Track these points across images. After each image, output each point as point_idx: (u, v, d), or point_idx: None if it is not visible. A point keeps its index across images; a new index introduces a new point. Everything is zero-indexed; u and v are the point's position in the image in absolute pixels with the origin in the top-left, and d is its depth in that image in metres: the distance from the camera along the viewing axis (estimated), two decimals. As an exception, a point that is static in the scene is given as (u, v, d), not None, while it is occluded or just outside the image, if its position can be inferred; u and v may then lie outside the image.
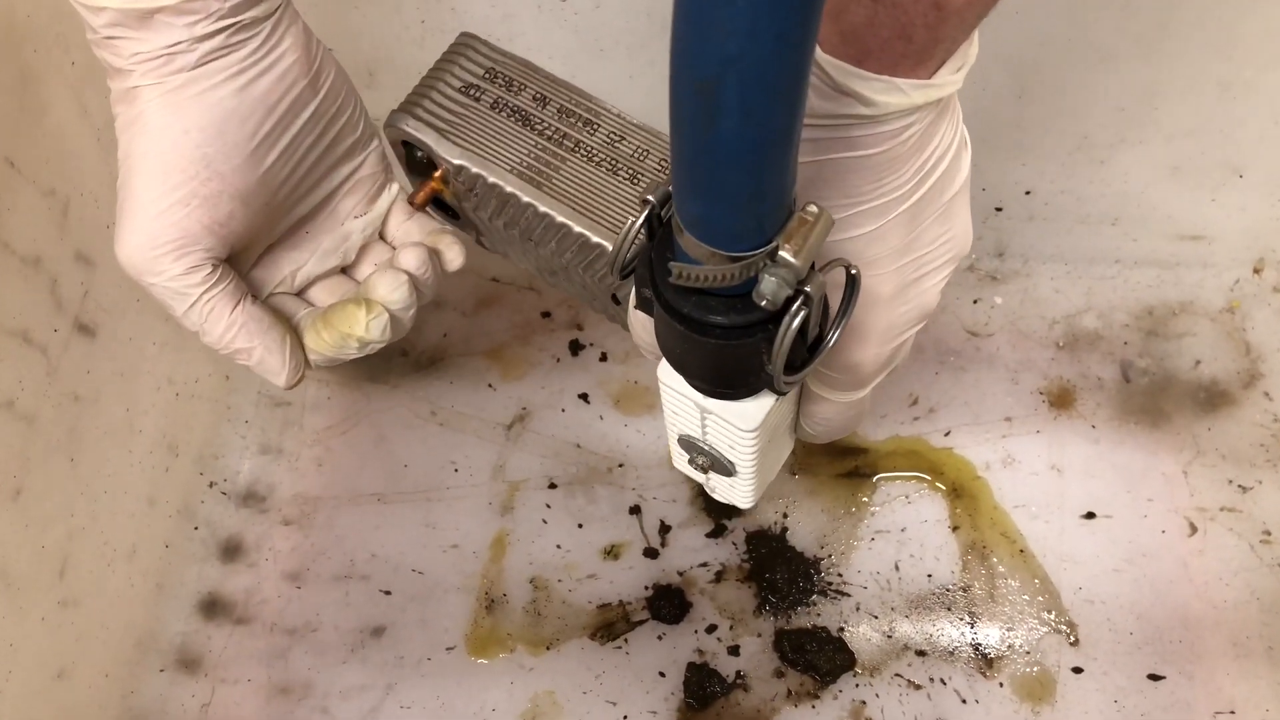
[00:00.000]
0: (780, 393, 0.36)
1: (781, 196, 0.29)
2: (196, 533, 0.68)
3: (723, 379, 0.36)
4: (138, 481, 0.63)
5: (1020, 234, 0.74)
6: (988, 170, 0.71)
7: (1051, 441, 0.69)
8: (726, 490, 0.46)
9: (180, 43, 0.39)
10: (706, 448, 0.43)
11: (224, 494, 0.69)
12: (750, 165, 0.26)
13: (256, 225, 0.45)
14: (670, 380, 0.39)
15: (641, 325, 0.42)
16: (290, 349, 0.47)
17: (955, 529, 0.67)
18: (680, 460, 0.46)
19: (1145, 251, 0.74)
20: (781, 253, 0.29)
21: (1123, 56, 0.62)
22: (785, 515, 0.67)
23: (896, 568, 0.66)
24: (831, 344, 0.35)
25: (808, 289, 0.31)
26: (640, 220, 0.33)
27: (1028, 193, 0.72)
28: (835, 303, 0.36)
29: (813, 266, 0.31)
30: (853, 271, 0.34)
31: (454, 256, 0.50)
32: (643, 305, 0.37)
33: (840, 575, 0.66)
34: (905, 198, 0.35)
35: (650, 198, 0.32)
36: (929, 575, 0.65)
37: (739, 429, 0.39)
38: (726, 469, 0.43)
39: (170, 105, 0.40)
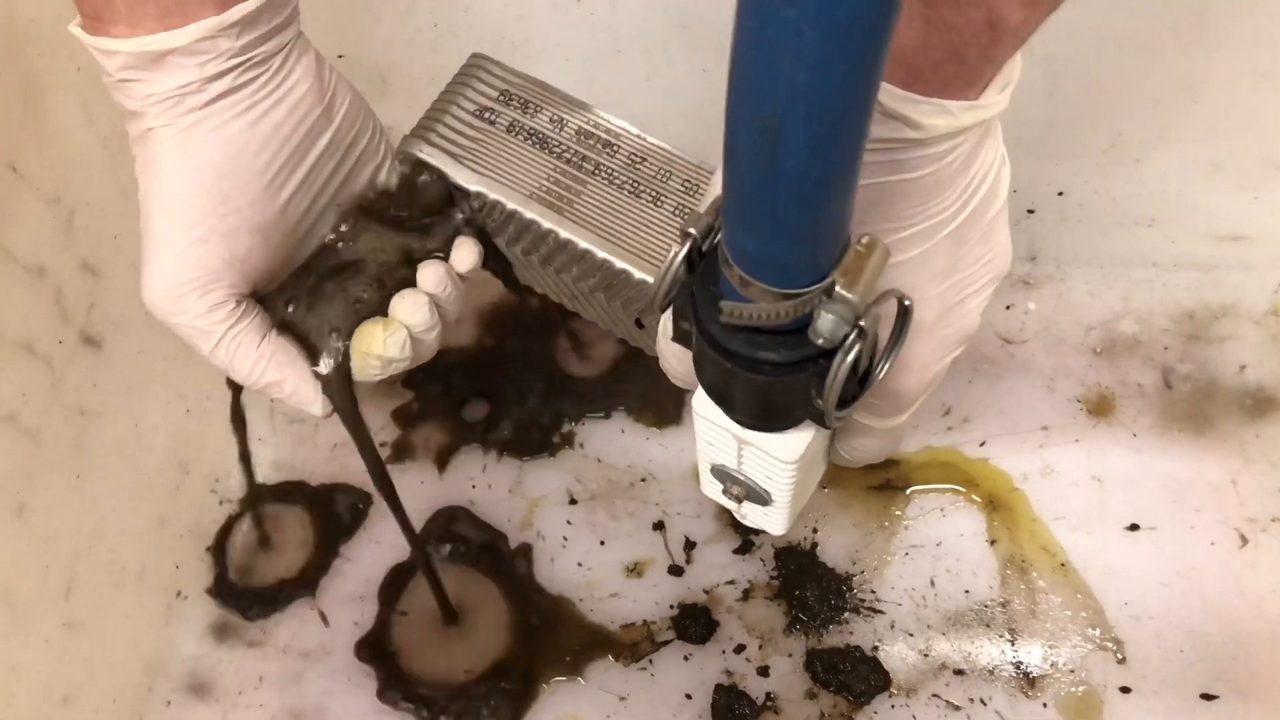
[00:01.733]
0: (828, 427, 0.34)
1: (841, 231, 0.28)
2: (209, 553, 0.66)
3: (767, 414, 0.35)
4: (147, 499, 0.62)
5: (1053, 237, 0.72)
6: (1019, 172, 0.67)
7: (1091, 451, 0.66)
8: (759, 518, 0.45)
9: (192, 83, 0.39)
10: (742, 478, 0.41)
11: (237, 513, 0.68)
12: (812, 201, 0.25)
13: (278, 258, 0.45)
14: (706, 412, 0.37)
15: (675, 357, 0.41)
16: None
17: (993, 543, 0.64)
18: (712, 489, 0.44)
19: (1184, 253, 0.71)
20: (839, 288, 0.28)
21: (1159, 49, 0.60)
22: (815, 530, 0.65)
23: (932, 583, 0.63)
24: (881, 377, 0.34)
25: (863, 324, 0.29)
26: (682, 253, 0.32)
27: (1060, 194, 0.70)
28: (881, 332, 0.34)
29: None
30: (906, 303, 0.33)
31: (463, 257, 0.49)
32: (680, 338, 0.37)
33: (873, 592, 0.63)
34: (949, 220, 0.35)
35: (692, 230, 0.31)
36: (966, 591, 0.63)
37: (779, 460, 0.38)
38: (762, 498, 0.42)
39: (183, 145, 0.40)
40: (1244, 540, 0.63)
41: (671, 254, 0.32)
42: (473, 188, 0.47)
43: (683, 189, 0.47)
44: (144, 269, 0.42)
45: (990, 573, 0.63)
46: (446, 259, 0.48)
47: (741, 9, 0.22)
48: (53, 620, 0.54)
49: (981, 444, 0.67)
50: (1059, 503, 0.65)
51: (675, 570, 0.64)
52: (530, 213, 0.46)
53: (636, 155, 0.48)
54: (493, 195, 0.47)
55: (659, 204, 0.47)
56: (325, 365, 0.45)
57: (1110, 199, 0.70)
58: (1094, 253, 0.72)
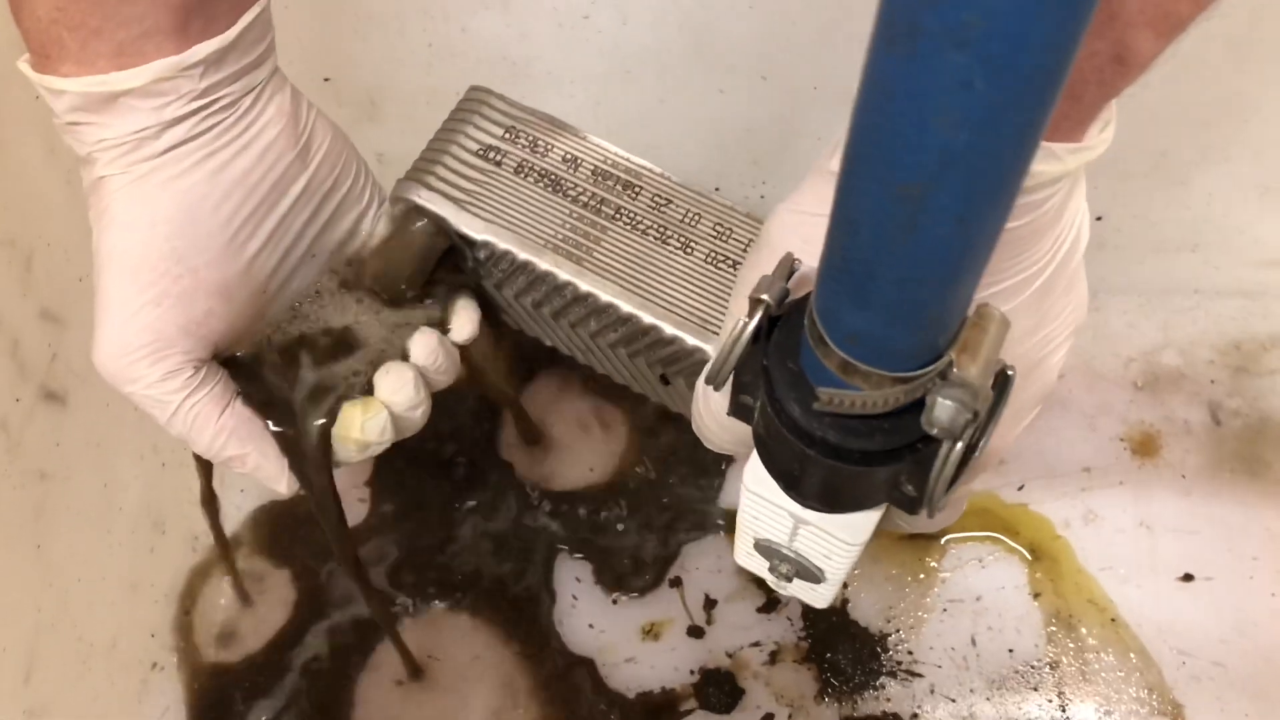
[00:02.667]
0: (914, 513, 0.30)
1: (967, 307, 0.24)
2: (188, 618, 0.61)
3: (842, 500, 0.31)
4: (118, 565, 0.56)
5: (1090, 264, 0.67)
6: (1053, 195, 0.64)
7: (1137, 494, 0.62)
8: (804, 592, 0.40)
9: (148, 128, 0.35)
10: (792, 554, 0.37)
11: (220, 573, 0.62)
12: (948, 276, 0.22)
13: (243, 318, 0.40)
14: (761, 490, 0.33)
15: (719, 424, 0.37)
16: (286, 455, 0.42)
17: (1036, 596, 0.59)
18: (750, 561, 0.40)
19: (1228, 280, 0.67)
20: (957, 369, 0.24)
21: (1209, 63, 0.56)
22: (845, 585, 0.60)
23: (973, 642, 0.58)
24: (980, 455, 0.29)
25: (978, 408, 0.25)
26: (753, 324, 0.28)
27: (1099, 218, 0.66)
28: None
29: None
30: (1010, 372, 0.29)
31: (461, 325, 0.44)
32: (738, 412, 0.32)
33: (910, 653, 0.58)
34: (1040, 273, 0.32)
35: (765, 297, 0.28)
36: (1010, 650, 0.58)
37: (843, 542, 0.34)
38: (813, 576, 0.37)
39: (135, 196, 0.36)
40: (1307, 591, 0.58)
41: (737, 324, 0.28)
42: (479, 236, 0.42)
43: (714, 234, 0.43)
44: (95, 331, 0.38)
45: (1035, 629, 0.59)
46: (442, 321, 0.43)
47: (880, 50, 0.18)
48: (13, 709, 0.48)
49: (1020, 488, 0.62)
50: (1105, 551, 0.60)
51: (695, 631, 0.59)
52: (545, 263, 0.42)
53: (661, 197, 0.43)
54: (502, 245, 0.42)
55: (689, 251, 0.42)
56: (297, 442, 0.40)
57: (1150, 223, 0.66)
58: (1131, 280, 0.68)
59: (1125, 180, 0.64)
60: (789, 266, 0.29)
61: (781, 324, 0.28)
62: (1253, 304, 0.67)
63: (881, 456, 0.27)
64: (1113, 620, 0.58)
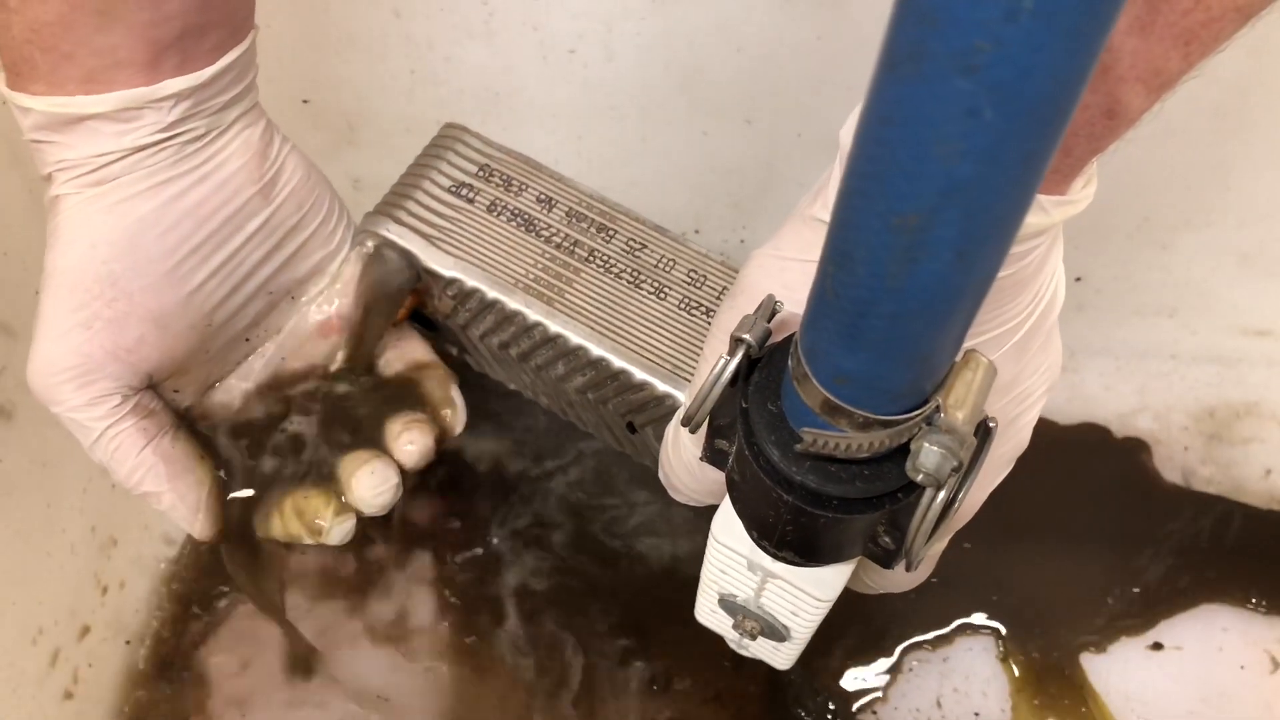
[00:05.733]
0: (889, 567, 0.29)
1: (958, 349, 0.24)
2: (128, 647, 0.59)
3: (816, 552, 0.30)
4: (58, 590, 0.54)
5: (1068, 325, 0.66)
6: (1034, 253, 0.64)
7: (1109, 558, 0.61)
8: (765, 652, 0.39)
9: (109, 153, 0.35)
10: (758, 611, 0.36)
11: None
12: (945, 314, 0.21)
13: (180, 348, 0.39)
14: (730, 541, 0.32)
15: (687, 472, 0.36)
16: (209, 499, 0.40)
17: (1004, 658, 0.58)
18: (712, 619, 0.39)
19: (1205, 346, 0.67)
20: (944, 415, 0.24)
21: (1194, 130, 0.56)
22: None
23: (939, 704, 0.57)
24: (958, 508, 0.28)
25: (962, 456, 0.25)
26: (734, 363, 0.27)
27: (1078, 279, 0.66)
28: None
29: None
30: (991, 425, 0.28)
31: (451, 425, 0.43)
32: (713, 458, 0.32)
33: (874, 713, 0.57)
34: (1019, 327, 0.32)
35: (746, 336, 0.27)
36: (976, 714, 0.57)
37: (813, 598, 0.33)
38: (779, 634, 0.36)
39: (82, 217, 0.36)
40: (1276, 664, 0.58)
41: (718, 363, 0.28)
42: (447, 273, 0.41)
43: (688, 280, 0.42)
44: (30, 348, 0.37)
45: (1001, 692, 0.57)
46: (421, 396, 0.42)
47: (885, 75, 0.17)
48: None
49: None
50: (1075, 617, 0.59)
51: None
52: (515, 303, 0.41)
53: (636, 241, 0.43)
54: (471, 282, 0.41)
55: (662, 297, 0.42)
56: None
57: (1130, 286, 0.66)
58: (1109, 343, 0.68)
59: (1107, 242, 0.63)
60: (770, 308, 0.28)
61: (761, 366, 0.28)
62: (1228, 371, 0.67)
63: (860, 505, 0.26)
64: (1080, 687, 0.57)
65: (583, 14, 0.55)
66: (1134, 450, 0.65)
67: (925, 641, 0.59)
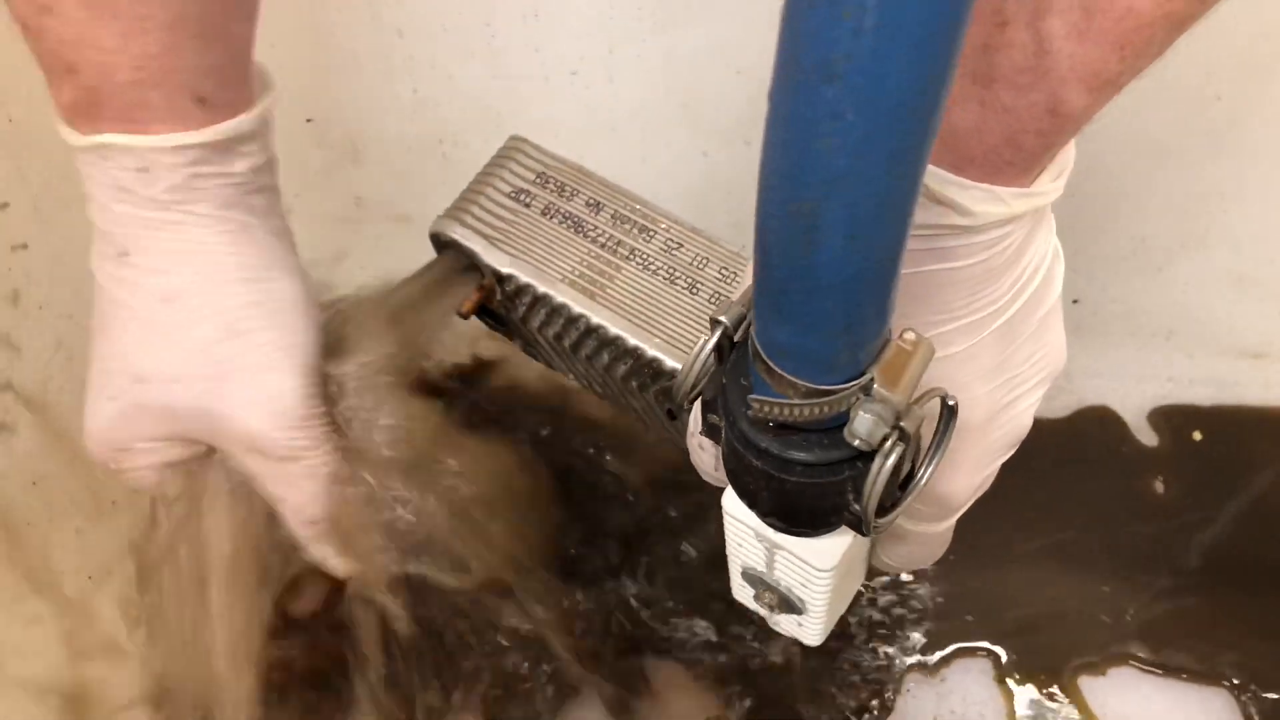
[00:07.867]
0: (865, 535, 0.32)
1: (881, 324, 0.26)
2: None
3: (800, 517, 0.32)
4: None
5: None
6: (1031, 276, 0.65)
7: (1108, 581, 0.61)
8: (793, 627, 0.41)
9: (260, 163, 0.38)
10: (774, 583, 0.38)
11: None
12: (850, 292, 0.24)
13: None
14: (736, 512, 0.35)
15: (706, 450, 0.39)
16: None
17: (1001, 681, 0.58)
18: (742, 593, 0.41)
19: (1201, 369, 0.68)
20: (877, 386, 0.27)
21: (1191, 153, 0.57)
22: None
23: (937, 727, 0.57)
24: (924, 482, 0.31)
25: (904, 425, 0.28)
26: (711, 343, 0.31)
27: (1075, 301, 0.66)
28: (924, 432, 0.31)
29: None
30: (950, 403, 0.31)
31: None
32: (709, 432, 0.35)
33: (872, 735, 0.57)
34: (1000, 313, 0.33)
35: (723, 318, 0.30)
36: (975, 742, 0.57)
37: (814, 568, 0.35)
38: (795, 607, 0.39)
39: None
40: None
41: (700, 342, 0.30)
42: (505, 270, 0.46)
43: (719, 276, 0.46)
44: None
45: (998, 716, 0.58)
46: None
47: (776, 85, 0.20)
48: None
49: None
50: (1073, 641, 0.59)
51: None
52: (561, 296, 0.46)
53: (673, 241, 0.47)
54: (524, 278, 0.46)
55: (695, 291, 0.45)
56: None
57: (1126, 308, 0.66)
58: (1106, 365, 0.68)
59: (1104, 265, 0.64)
60: (750, 295, 0.30)
61: (739, 345, 0.30)
62: (1223, 393, 0.67)
63: (822, 469, 0.29)
64: (1078, 715, 0.57)
65: (585, 36, 0.56)
66: (1132, 472, 0.65)
67: (923, 664, 0.59)
